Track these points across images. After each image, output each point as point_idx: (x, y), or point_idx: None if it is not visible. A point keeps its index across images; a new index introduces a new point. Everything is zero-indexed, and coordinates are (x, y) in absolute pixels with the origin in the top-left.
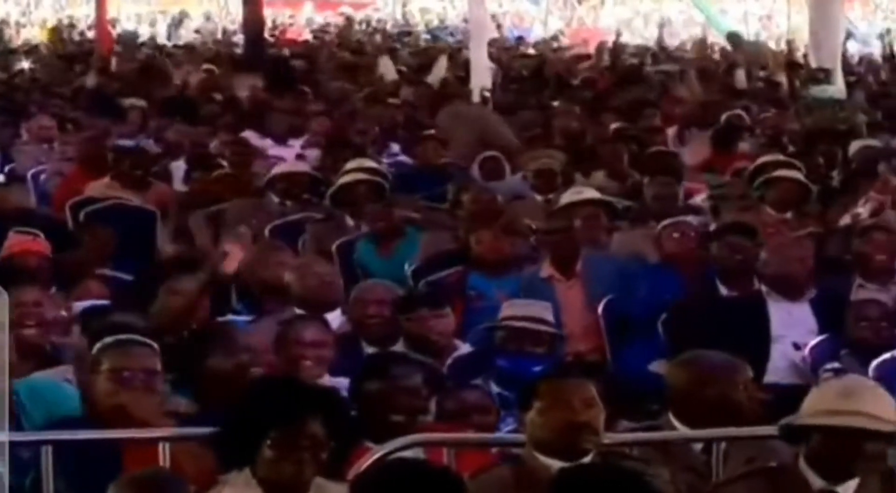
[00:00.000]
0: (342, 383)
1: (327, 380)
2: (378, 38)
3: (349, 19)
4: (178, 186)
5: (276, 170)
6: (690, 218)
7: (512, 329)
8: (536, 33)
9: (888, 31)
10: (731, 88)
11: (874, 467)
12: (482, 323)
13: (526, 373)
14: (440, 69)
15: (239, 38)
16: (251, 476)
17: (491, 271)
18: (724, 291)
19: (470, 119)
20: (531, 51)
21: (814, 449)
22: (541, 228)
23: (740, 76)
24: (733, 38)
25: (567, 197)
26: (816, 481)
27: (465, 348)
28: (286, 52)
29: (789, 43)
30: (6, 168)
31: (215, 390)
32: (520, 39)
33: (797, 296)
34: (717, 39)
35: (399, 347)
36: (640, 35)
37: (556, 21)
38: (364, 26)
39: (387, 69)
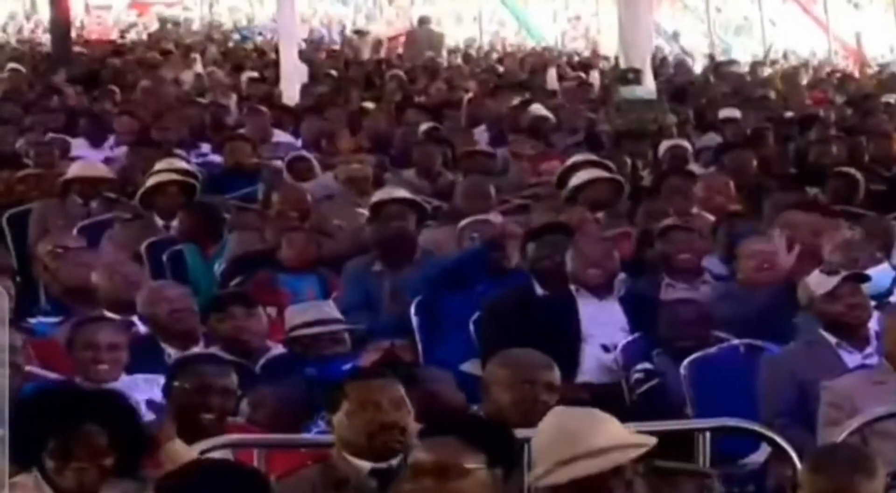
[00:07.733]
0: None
1: (124, 380)
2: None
3: (163, 20)
4: None
5: (71, 172)
6: (491, 215)
7: (305, 338)
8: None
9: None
10: (542, 88)
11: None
12: None
13: (336, 375)
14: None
15: (46, 38)
16: (41, 478)
17: (299, 270)
18: (539, 291)
19: None
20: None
21: None
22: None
23: (552, 75)
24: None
25: (377, 196)
26: None
27: (278, 349)
28: (94, 51)
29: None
30: None
31: None
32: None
33: (605, 294)
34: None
35: (200, 347)
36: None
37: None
38: (172, 26)
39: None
